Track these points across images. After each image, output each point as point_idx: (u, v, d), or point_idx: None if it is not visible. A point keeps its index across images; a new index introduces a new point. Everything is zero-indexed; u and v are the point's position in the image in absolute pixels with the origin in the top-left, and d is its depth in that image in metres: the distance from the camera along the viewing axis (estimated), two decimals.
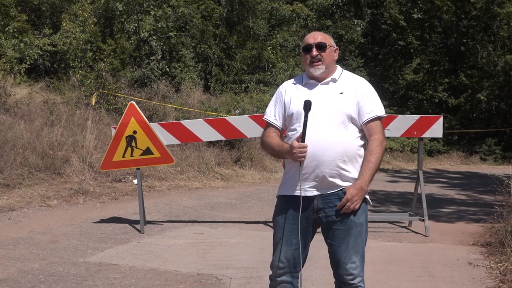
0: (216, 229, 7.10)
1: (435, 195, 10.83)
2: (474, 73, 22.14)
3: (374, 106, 3.00)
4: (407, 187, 11.90)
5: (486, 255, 5.81)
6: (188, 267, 5.20)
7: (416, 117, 6.99)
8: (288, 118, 3.06)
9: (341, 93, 2.99)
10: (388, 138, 19.80)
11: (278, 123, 3.11)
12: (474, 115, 22.56)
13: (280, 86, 3.19)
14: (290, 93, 3.08)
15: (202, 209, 8.62)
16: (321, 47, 3.01)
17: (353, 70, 20.25)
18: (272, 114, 3.13)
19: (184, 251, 5.84)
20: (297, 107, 2.98)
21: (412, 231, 7.17)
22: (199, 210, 8.49)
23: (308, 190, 2.92)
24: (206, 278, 4.87)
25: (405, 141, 19.57)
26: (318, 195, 2.92)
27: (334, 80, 3.04)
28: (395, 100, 22.75)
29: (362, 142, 2.99)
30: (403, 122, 6.93)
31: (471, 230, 7.29)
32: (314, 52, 3.00)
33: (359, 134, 2.98)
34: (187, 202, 9.13)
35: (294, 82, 3.13)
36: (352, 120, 2.95)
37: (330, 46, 3.05)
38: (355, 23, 23.17)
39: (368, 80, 3.19)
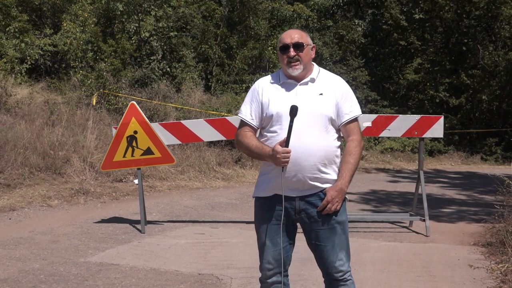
0: (217, 229, 7.11)
1: (436, 195, 10.83)
2: (475, 73, 22.13)
3: (352, 106, 2.99)
4: (407, 187, 11.89)
5: (487, 255, 5.80)
6: (189, 267, 5.20)
7: (417, 117, 6.99)
8: (266, 119, 2.99)
9: (321, 94, 2.95)
10: (388, 138, 19.85)
11: (254, 122, 3.04)
12: (475, 115, 22.55)
13: (256, 84, 3.10)
14: (268, 92, 3.00)
15: (203, 209, 8.63)
16: (298, 46, 2.96)
17: (354, 70, 20.26)
18: (248, 113, 3.05)
19: (185, 251, 5.84)
20: (277, 109, 2.92)
21: (413, 231, 7.17)
22: (200, 210, 8.49)
23: (289, 192, 2.92)
24: (207, 278, 4.87)
25: (406, 141, 19.56)
26: (299, 196, 2.93)
27: (312, 80, 3.00)
28: (396, 100, 22.74)
29: (339, 143, 2.99)
30: (404, 122, 6.93)
31: (472, 230, 7.29)
32: (292, 52, 2.94)
33: (336, 135, 2.98)
34: (188, 202, 9.14)
35: (272, 80, 3.05)
36: (331, 121, 2.93)
37: (308, 44, 3.00)
38: (356, 23, 23.17)
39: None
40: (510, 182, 6.77)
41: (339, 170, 2.95)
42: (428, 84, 22.58)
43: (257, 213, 3.07)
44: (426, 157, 19.04)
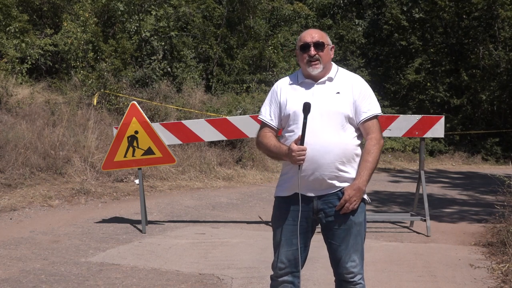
0: (217, 229, 7.11)
1: (437, 195, 10.82)
2: (475, 73, 22.12)
3: (370, 104, 2.98)
4: (408, 187, 11.90)
5: (488, 255, 5.80)
6: (189, 267, 5.20)
7: (417, 117, 6.99)
8: (284, 119, 3.01)
9: (338, 92, 2.95)
10: (389, 138, 19.92)
11: (274, 123, 3.06)
12: (476, 115, 22.54)
13: (275, 85, 3.13)
14: (286, 92, 3.03)
15: (203, 209, 8.63)
16: (319, 46, 2.97)
17: (354, 70, 20.25)
18: (268, 113, 3.08)
19: (186, 251, 5.85)
20: (294, 108, 2.94)
21: (414, 231, 7.17)
22: (201, 210, 8.49)
23: (307, 191, 2.92)
24: (208, 278, 4.87)
25: (407, 141, 19.57)
26: (317, 196, 2.92)
27: (330, 79, 3.01)
28: (397, 100, 22.75)
29: (359, 142, 2.98)
30: (405, 122, 6.93)
31: (473, 230, 7.29)
32: (313, 51, 2.95)
33: (356, 134, 2.96)
34: (189, 202, 9.14)
35: (290, 80, 3.08)
36: (349, 120, 2.93)
37: (328, 44, 3.01)
38: (356, 23, 23.17)
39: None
40: (511, 182, 6.77)
41: (357, 168, 2.94)
42: (428, 84, 22.57)
43: (275, 212, 3.08)
44: (427, 157, 19.05)
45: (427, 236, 6.81)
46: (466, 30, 23.18)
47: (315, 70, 2.97)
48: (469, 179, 14.77)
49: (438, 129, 6.93)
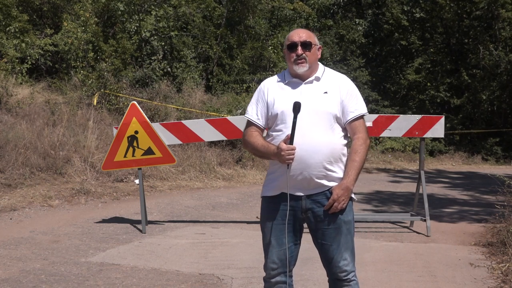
0: (217, 229, 7.11)
1: (437, 195, 10.82)
2: (476, 73, 22.13)
3: (357, 104, 2.99)
4: (408, 187, 11.89)
5: (488, 255, 5.80)
6: (189, 267, 5.20)
7: (417, 117, 6.98)
8: (271, 118, 3.01)
9: (325, 92, 2.96)
10: (389, 138, 19.88)
11: (261, 122, 3.06)
12: (476, 115, 22.55)
13: (261, 84, 3.13)
14: (273, 92, 3.03)
15: (203, 209, 8.63)
16: (306, 45, 2.98)
17: (354, 70, 20.27)
18: (254, 113, 3.08)
19: (186, 251, 5.85)
20: (281, 108, 2.94)
21: (414, 231, 7.16)
22: (201, 210, 8.49)
23: (296, 191, 2.92)
24: (208, 278, 4.87)
25: (407, 141, 19.57)
26: (305, 195, 2.92)
27: (317, 79, 3.01)
28: (397, 100, 22.76)
29: (345, 141, 2.99)
30: (405, 122, 6.93)
31: (473, 230, 7.29)
32: (300, 50, 2.96)
33: (343, 134, 2.98)
34: (189, 202, 9.14)
35: (277, 79, 3.08)
36: (337, 119, 2.94)
37: (315, 44, 3.03)
38: (357, 22, 23.17)
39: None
40: (511, 182, 6.77)
41: (345, 168, 2.95)
42: (429, 84, 22.58)
43: (263, 212, 3.07)
44: (427, 157, 19.05)
45: (427, 236, 6.80)
46: (467, 30, 23.18)
47: (301, 68, 2.97)
48: (469, 179, 14.76)
49: (438, 129, 6.93)
